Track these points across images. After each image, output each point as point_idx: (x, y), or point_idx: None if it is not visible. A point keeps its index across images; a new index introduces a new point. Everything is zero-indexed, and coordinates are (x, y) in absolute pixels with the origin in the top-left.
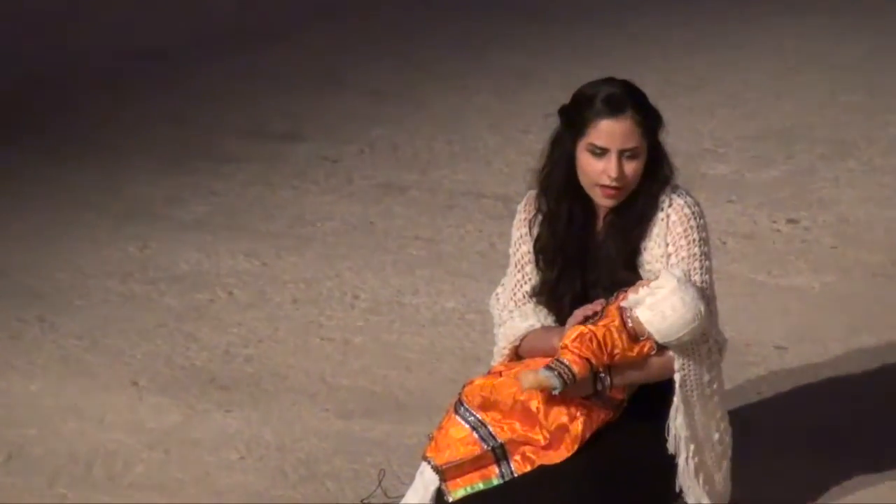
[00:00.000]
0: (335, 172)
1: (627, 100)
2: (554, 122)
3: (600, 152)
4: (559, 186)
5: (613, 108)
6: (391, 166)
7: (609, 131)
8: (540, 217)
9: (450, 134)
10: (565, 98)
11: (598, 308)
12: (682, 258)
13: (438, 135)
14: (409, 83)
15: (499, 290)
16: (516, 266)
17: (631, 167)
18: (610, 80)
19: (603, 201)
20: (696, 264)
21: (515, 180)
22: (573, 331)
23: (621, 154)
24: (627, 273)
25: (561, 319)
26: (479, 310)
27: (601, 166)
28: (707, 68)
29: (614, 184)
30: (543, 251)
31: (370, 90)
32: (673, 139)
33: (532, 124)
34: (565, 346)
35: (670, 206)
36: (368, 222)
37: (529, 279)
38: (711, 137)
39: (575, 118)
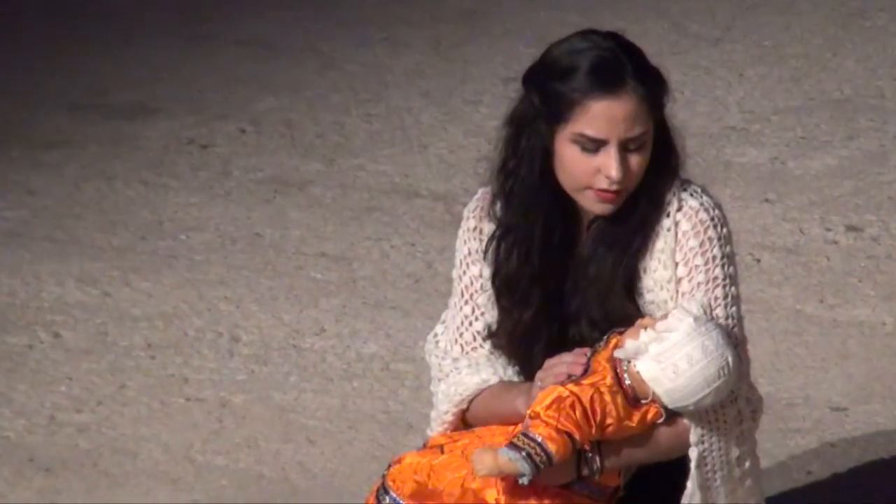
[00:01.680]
0: (205, 162)
1: (626, 66)
2: (516, 90)
3: (594, 146)
4: (530, 191)
5: (610, 83)
6: (285, 153)
7: (607, 116)
8: (500, 232)
9: (368, 106)
10: (531, 54)
11: (583, 360)
12: (698, 284)
13: (352, 107)
14: (311, 34)
15: (438, 329)
16: (463, 295)
17: (637, 161)
18: (589, 36)
19: (596, 207)
20: (718, 292)
21: (462, 172)
22: (548, 393)
23: (624, 146)
24: (623, 303)
25: (528, 370)
26: (409, 357)
27: (595, 163)
28: (734, 11)
29: (615, 187)
30: (510, 285)
31: (255, 43)
32: (684, 113)
33: (485, 92)
34: (537, 415)
35: (679, 209)
36: (253, 234)
37: (482, 314)
38: (739, 110)
39: (551, 96)
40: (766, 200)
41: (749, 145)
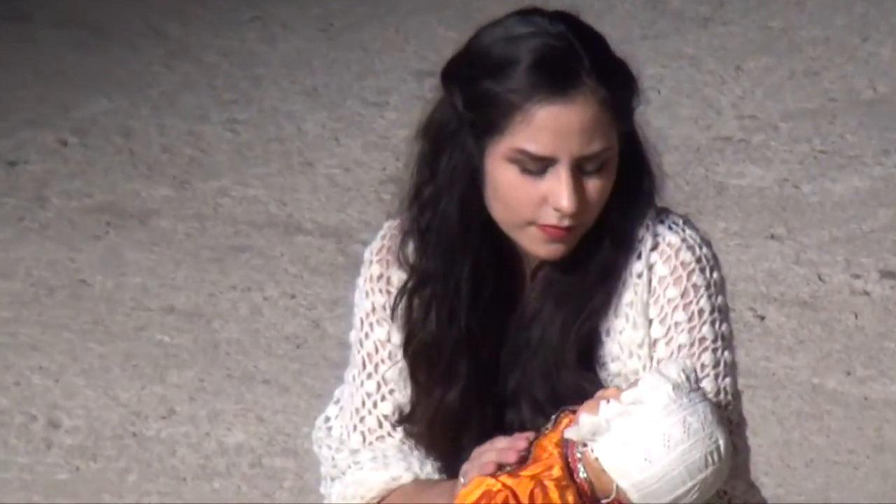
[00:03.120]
0: (12, 185)
1: (582, 59)
2: (433, 88)
3: (539, 167)
4: (453, 227)
5: (560, 82)
6: (121, 172)
7: (556, 126)
8: (413, 282)
9: (234, 109)
10: (453, 40)
11: (522, 446)
12: (680, 347)
13: (212, 111)
14: (155, 14)
15: (330, 411)
16: (365, 367)
17: (596, 186)
18: (532, 17)
19: (542, 249)
20: (706, 358)
21: (360, 199)
22: (473, 487)
23: (579, 165)
24: (577, 377)
25: (453, 466)
26: (290, 449)
27: (541, 190)
28: None
29: (567, 222)
30: (429, 354)
31: (81, 27)
32: (661, 119)
33: (391, 91)
34: None
35: (654, 248)
36: (77, 281)
37: (391, 391)
38: (736, 115)
39: (481, 100)
40: (773, 237)
41: (750, 162)
